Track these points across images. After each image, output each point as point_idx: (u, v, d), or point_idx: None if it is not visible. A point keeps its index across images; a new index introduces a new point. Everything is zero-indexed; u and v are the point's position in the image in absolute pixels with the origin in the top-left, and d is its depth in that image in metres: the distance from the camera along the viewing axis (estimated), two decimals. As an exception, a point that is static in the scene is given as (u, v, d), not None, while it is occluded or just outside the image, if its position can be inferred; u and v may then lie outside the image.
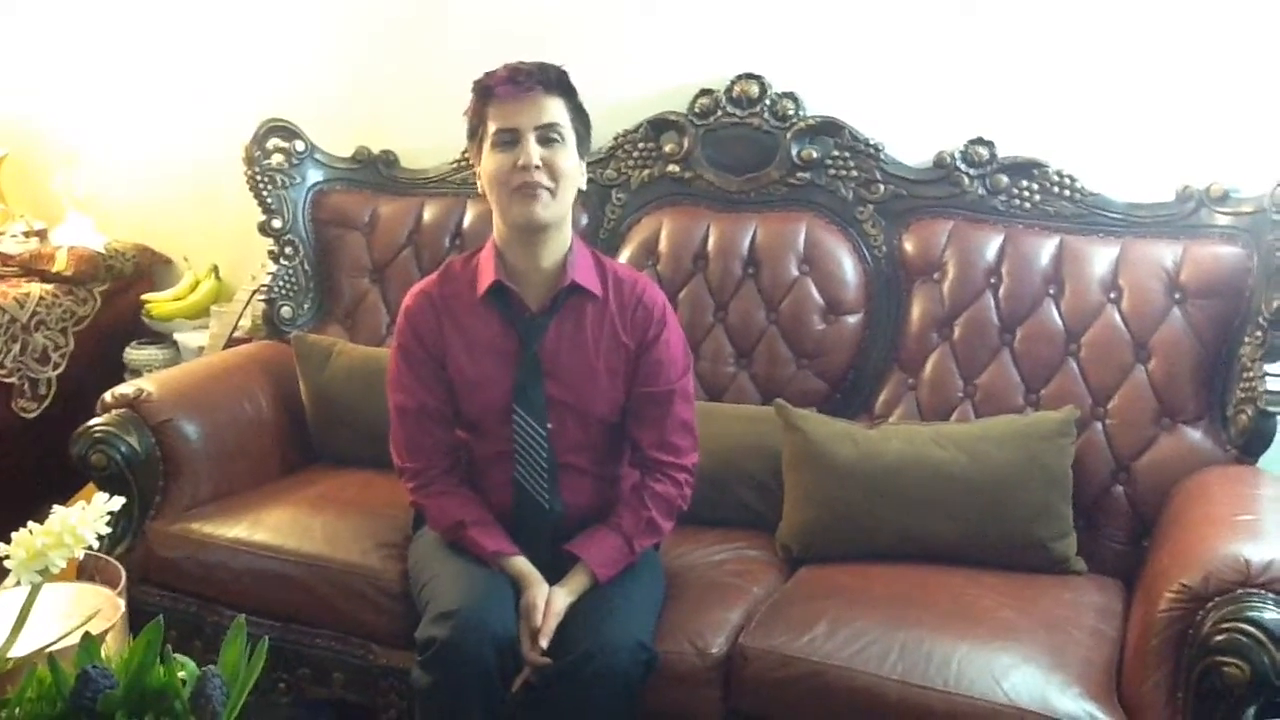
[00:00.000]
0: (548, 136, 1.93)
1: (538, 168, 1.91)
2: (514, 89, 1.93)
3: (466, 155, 2.80)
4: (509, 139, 1.93)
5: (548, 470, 2.02)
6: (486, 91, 1.96)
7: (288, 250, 2.84)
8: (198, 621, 2.26)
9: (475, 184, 2.73)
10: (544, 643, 1.86)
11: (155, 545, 2.33)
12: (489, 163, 1.96)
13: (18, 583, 1.16)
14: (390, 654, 2.14)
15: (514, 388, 2.01)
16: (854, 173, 2.50)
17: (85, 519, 1.15)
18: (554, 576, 1.96)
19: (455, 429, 2.09)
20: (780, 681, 1.88)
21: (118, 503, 1.19)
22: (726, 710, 1.94)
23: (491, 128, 1.95)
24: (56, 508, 1.18)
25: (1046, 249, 2.34)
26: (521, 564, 1.96)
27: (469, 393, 2.04)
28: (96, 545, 1.17)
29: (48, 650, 1.11)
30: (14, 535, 1.17)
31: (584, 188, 2.04)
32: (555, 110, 1.94)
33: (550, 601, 1.90)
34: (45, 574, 1.16)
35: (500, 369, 2.02)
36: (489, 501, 2.05)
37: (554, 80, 1.95)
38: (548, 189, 1.93)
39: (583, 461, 2.06)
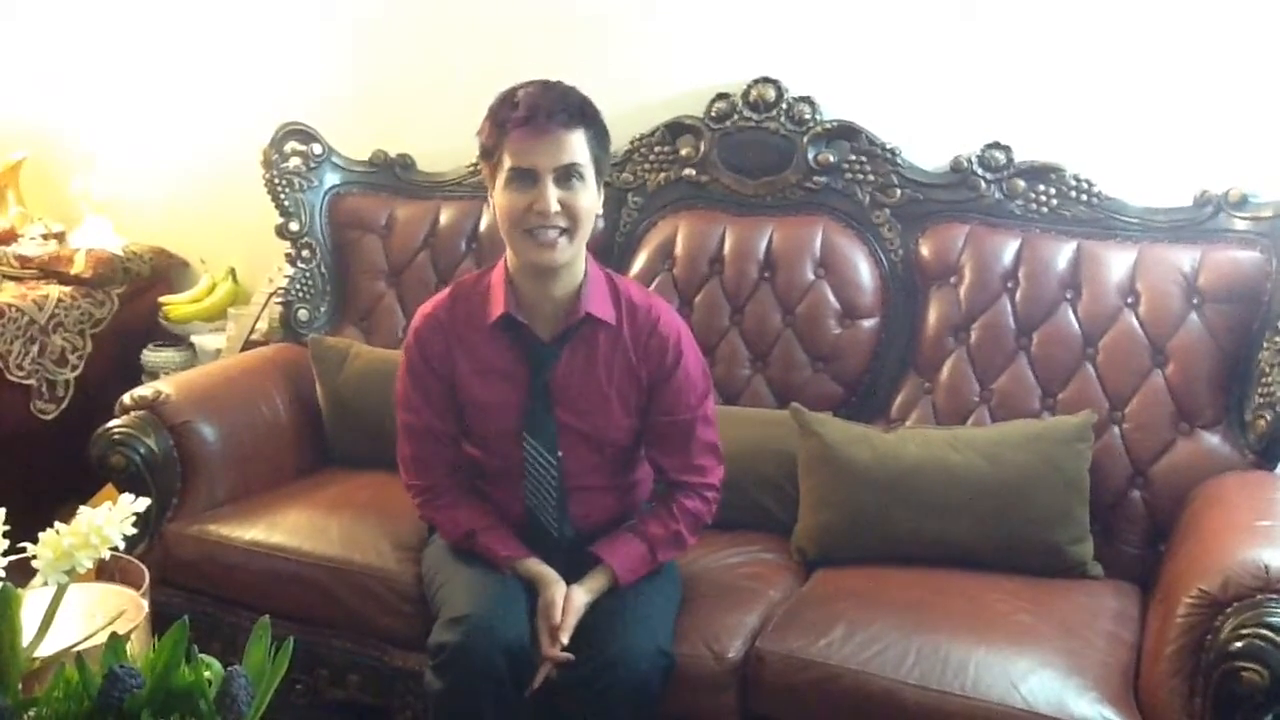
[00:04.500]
0: (567, 175, 1.86)
1: (556, 213, 1.85)
2: (531, 130, 1.83)
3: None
4: (525, 178, 1.86)
5: (556, 496, 2.02)
6: (501, 125, 1.87)
7: (305, 253, 2.85)
8: (215, 622, 2.27)
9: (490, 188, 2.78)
10: (564, 639, 1.86)
11: (173, 547, 2.34)
12: (503, 198, 1.89)
13: (44, 583, 1.17)
14: (406, 656, 2.15)
15: (523, 415, 2.00)
16: (870, 177, 2.50)
17: (111, 520, 1.16)
18: (571, 571, 1.97)
19: (463, 448, 2.08)
20: (797, 685, 1.88)
21: (143, 503, 1.20)
22: (743, 714, 1.94)
23: (507, 163, 1.86)
24: (83, 508, 1.18)
25: (1063, 253, 2.34)
26: (535, 565, 1.97)
27: (478, 415, 2.04)
28: (122, 546, 1.18)
29: (75, 650, 1.11)
30: (41, 536, 1.18)
31: (600, 213, 1.97)
32: (575, 147, 1.85)
33: (569, 599, 1.91)
34: (72, 574, 1.16)
35: (510, 395, 2.00)
36: (501, 510, 2.06)
37: (574, 112, 1.86)
38: (564, 232, 1.87)
39: (595, 481, 2.06)
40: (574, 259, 1.94)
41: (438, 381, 2.03)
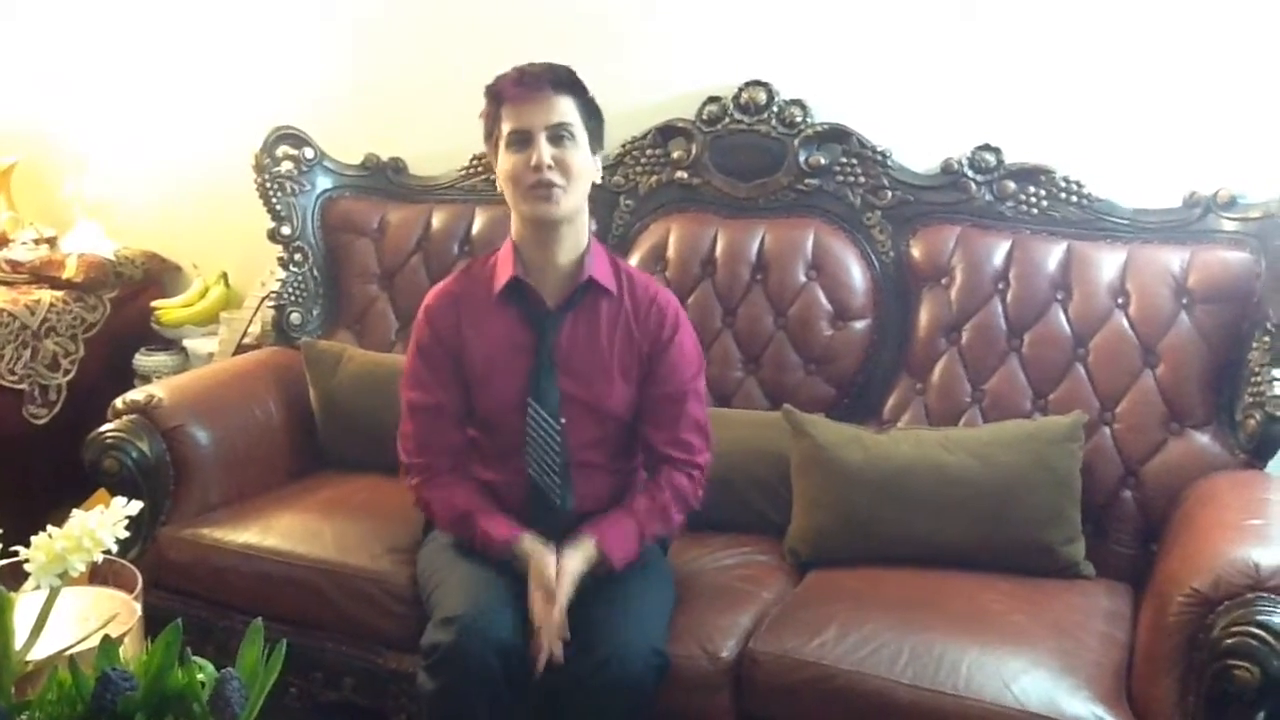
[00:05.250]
0: (558, 135, 1.97)
1: (550, 167, 1.95)
2: (523, 90, 1.97)
3: (475, 162, 2.83)
4: (521, 139, 1.98)
5: (560, 466, 2.04)
6: (498, 95, 2.01)
7: (297, 257, 2.85)
8: (208, 626, 2.27)
9: (484, 191, 2.80)
10: (562, 600, 1.88)
11: (166, 550, 2.34)
12: (504, 163, 2.01)
13: (36, 586, 1.17)
14: (400, 658, 2.15)
15: (529, 382, 2.04)
16: (861, 179, 2.50)
17: (104, 523, 1.16)
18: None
19: (466, 429, 2.11)
20: (790, 685, 1.88)
21: (135, 507, 1.19)
22: (737, 714, 1.94)
23: (505, 129, 1.99)
24: (76, 512, 1.18)
25: (1054, 255, 2.34)
26: (531, 542, 1.97)
27: (484, 390, 2.06)
28: (115, 549, 1.18)
29: (68, 653, 1.11)
30: (33, 539, 1.18)
31: (599, 181, 2.08)
32: (565, 109, 1.98)
33: (562, 565, 1.92)
34: (64, 578, 1.16)
35: (516, 364, 2.05)
36: (501, 500, 2.07)
37: (562, 79, 2.00)
38: (559, 186, 1.97)
39: (596, 458, 2.08)
40: (573, 216, 2.02)
41: (447, 357, 2.08)
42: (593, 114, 2.04)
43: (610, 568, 1.96)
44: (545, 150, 1.95)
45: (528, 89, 1.97)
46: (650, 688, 1.86)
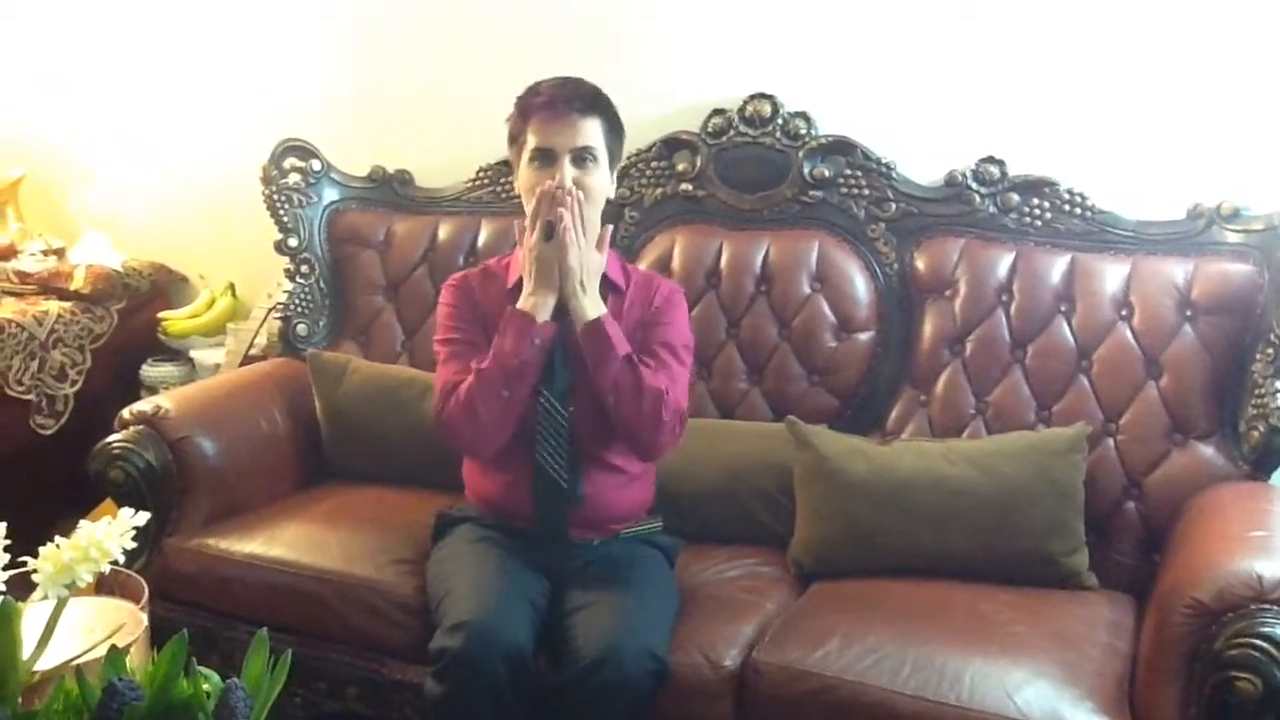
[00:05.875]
0: (581, 157, 2.05)
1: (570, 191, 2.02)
2: (552, 113, 2.04)
3: (481, 174, 2.85)
4: (545, 158, 2.05)
5: (568, 454, 2.07)
6: (526, 110, 2.09)
7: (303, 268, 2.86)
8: (213, 636, 2.27)
9: (490, 203, 2.82)
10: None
11: (172, 560, 2.34)
12: (525, 175, 2.09)
13: (44, 596, 1.18)
14: (404, 668, 2.15)
15: (540, 371, 2.06)
16: (866, 191, 2.51)
17: (111, 534, 1.17)
18: (570, 575, 2.02)
19: None
20: (793, 696, 1.88)
21: (143, 518, 1.20)
22: (739, 724, 1.94)
23: (530, 143, 2.07)
24: (83, 522, 1.19)
25: (1058, 267, 2.35)
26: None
27: None
28: (122, 560, 1.19)
29: (74, 663, 1.12)
30: (41, 550, 1.19)
31: (613, 197, 2.16)
32: (591, 132, 2.06)
33: None
34: (71, 588, 1.17)
35: None
36: (510, 487, 2.10)
37: (591, 101, 2.07)
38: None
39: (604, 453, 2.10)
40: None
41: (473, 321, 2.15)
42: (616, 133, 2.11)
43: (600, 318, 2.00)
44: (568, 173, 2.03)
45: (557, 112, 2.03)
46: (646, 692, 1.87)
